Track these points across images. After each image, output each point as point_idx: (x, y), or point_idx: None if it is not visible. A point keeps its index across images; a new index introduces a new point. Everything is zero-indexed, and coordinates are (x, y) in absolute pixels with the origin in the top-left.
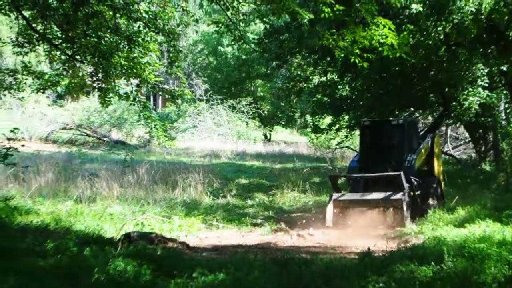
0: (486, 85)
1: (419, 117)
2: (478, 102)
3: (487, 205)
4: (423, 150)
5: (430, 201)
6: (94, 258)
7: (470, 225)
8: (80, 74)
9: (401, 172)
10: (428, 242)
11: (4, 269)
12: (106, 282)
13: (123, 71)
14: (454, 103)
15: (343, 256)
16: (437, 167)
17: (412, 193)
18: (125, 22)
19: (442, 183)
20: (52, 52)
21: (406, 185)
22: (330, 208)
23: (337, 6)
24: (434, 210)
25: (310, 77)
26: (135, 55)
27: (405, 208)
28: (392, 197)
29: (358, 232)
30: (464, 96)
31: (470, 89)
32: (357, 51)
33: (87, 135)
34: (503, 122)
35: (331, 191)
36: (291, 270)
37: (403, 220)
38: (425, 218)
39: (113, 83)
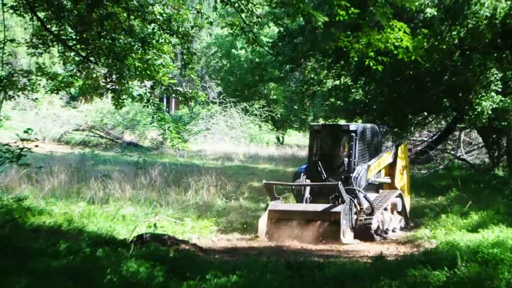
0: (500, 90)
1: (432, 121)
2: (491, 107)
3: (500, 210)
4: (381, 160)
5: (384, 216)
6: (106, 259)
7: (484, 230)
8: (94, 75)
9: (339, 182)
10: (441, 246)
11: (17, 269)
12: (119, 283)
13: (137, 72)
14: (467, 108)
15: (356, 259)
16: (400, 180)
17: (357, 206)
18: (140, 24)
19: (408, 198)
20: (66, 53)
21: (347, 196)
22: (264, 218)
23: (352, 9)
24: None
25: (324, 81)
26: (149, 57)
27: (343, 222)
28: (330, 210)
29: (293, 245)
30: (478, 101)
31: (483, 94)
32: (372, 54)
33: (100, 136)
34: None
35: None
36: (304, 273)
37: (339, 235)
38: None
39: (126, 85)
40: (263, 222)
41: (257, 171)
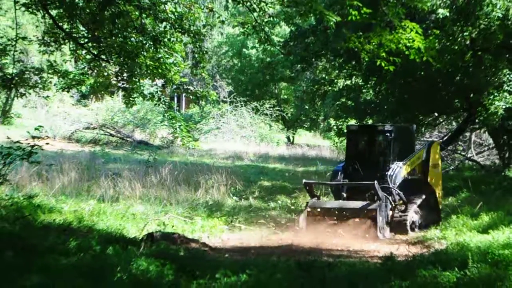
0: None
1: (443, 122)
2: (503, 107)
3: (511, 211)
4: (414, 158)
5: (417, 212)
6: (116, 257)
7: (494, 231)
8: (105, 73)
9: (375, 182)
10: (452, 247)
11: (27, 266)
12: (129, 282)
13: (148, 71)
14: (479, 108)
15: (366, 260)
16: (433, 177)
17: (392, 203)
18: (151, 22)
19: (439, 194)
20: (78, 51)
21: (382, 194)
22: (304, 215)
23: (364, 9)
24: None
25: (335, 81)
26: (160, 55)
27: (379, 218)
28: (367, 207)
29: (330, 240)
30: (490, 101)
31: (496, 94)
32: (383, 54)
33: (111, 135)
34: None
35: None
36: (314, 273)
37: (377, 231)
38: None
39: (138, 83)
40: (303, 219)
41: (267, 170)
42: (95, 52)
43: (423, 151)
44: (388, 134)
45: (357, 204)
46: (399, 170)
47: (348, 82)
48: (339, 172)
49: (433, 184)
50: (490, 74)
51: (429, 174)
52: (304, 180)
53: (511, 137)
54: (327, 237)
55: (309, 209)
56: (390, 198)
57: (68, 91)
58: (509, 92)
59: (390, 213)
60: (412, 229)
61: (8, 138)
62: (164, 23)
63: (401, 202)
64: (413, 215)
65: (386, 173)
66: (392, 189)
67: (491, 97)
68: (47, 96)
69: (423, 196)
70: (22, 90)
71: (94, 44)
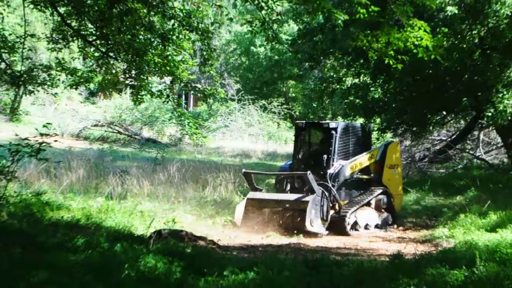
0: None
1: (451, 121)
2: None
3: None
4: (363, 158)
5: (367, 212)
6: (124, 254)
7: (502, 230)
8: (113, 71)
9: (309, 172)
10: (460, 246)
11: (35, 263)
12: (137, 279)
13: (156, 68)
14: (488, 106)
15: (374, 258)
16: (388, 177)
17: (330, 200)
18: (159, 20)
19: (397, 194)
20: (86, 49)
21: (318, 188)
22: (241, 206)
23: (372, 7)
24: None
25: (343, 79)
26: (168, 53)
27: (311, 211)
28: (301, 199)
29: (264, 232)
30: (499, 100)
31: (504, 93)
32: (391, 52)
33: (119, 132)
34: None
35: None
36: (321, 271)
37: (305, 223)
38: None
39: (146, 81)
40: (239, 211)
41: (275, 168)
42: (103, 50)
43: (378, 151)
44: (333, 131)
45: (293, 196)
46: (341, 169)
47: (356, 80)
48: (286, 169)
49: (388, 185)
50: (499, 72)
51: (384, 174)
52: (243, 170)
53: None
54: (262, 229)
55: (247, 201)
56: (326, 194)
57: (76, 89)
58: None
59: (326, 210)
60: (356, 229)
61: (17, 135)
62: (172, 21)
63: (343, 202)
64: (356, 215)
65: (327, 171)
66: (332, 188)
67: (500, 95)
68: (55, 94)
69: (372, 197)
70: (30, 87)
71: (102, 42)
